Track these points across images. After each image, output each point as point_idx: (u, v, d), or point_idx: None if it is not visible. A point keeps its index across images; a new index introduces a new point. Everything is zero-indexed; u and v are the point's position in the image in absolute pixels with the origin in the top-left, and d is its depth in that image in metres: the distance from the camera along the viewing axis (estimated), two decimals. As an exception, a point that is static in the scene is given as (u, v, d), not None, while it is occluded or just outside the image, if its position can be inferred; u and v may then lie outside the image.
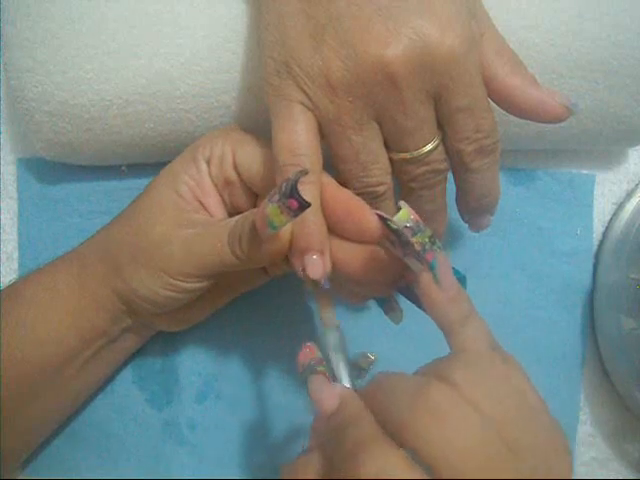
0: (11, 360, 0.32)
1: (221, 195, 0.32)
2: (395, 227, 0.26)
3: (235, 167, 0.31)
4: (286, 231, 0.28)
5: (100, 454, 0.37)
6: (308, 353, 0.28)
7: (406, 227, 0.26)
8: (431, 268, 0.26)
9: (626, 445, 0.40)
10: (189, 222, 0.31)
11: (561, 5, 0.33)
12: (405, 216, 0.26)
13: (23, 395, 0.32)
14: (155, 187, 0.32)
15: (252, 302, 0.36)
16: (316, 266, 0.28)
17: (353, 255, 0.29)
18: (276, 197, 0.25)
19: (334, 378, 0.28)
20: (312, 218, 0.28)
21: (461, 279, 0.27)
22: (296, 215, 0.25)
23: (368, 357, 0.30)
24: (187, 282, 0.30)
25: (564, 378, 0.39)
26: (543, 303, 0.39)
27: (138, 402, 0.38)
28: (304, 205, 0.25)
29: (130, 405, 0.38)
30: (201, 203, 0.32)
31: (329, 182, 0.29)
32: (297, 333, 0.38)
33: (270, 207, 0.25)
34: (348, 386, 0.28)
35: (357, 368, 0.30)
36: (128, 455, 0.37)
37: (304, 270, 0.28)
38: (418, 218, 0.26)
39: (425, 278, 0.26)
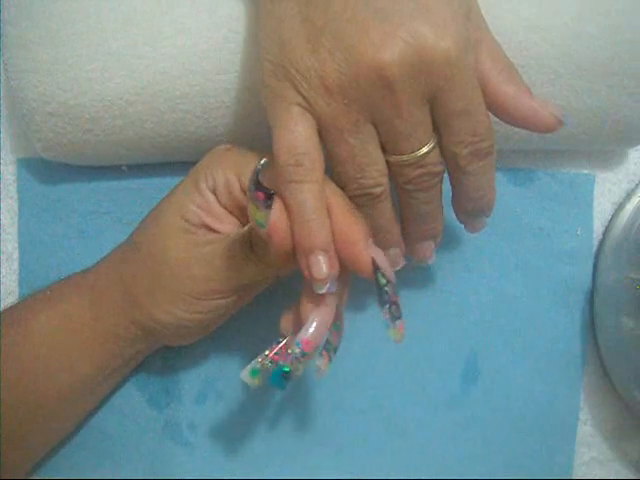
0: (25, 392, 0.32)
1: (236, 216, 0.32)
2: (383, 282, 0.27)
3: (245, 190, 0.31)
4: (283, 226, 0.28)
5: (100, 454, 0.37)
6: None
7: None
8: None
9: (626, 445, 0.40)
10: (202, 242, 0.31)
11: (561, 5, 0.33)
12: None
13: (35, 420, 0.33)
14: (161, 217, 0.32)
15: (252, 302, 0.36)
16: (320, 266, 0.28)
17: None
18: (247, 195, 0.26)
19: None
20: (313, 217, 0.27)
21: None
22: (268, 206, 0.26)
23: None
24: (212, 300, 0.31)
25: (564, 378, 0.39)
26: (543, 303, 0.39)
27: (138, 402, 0.38)
28: (270, 194, 0.25)
29: (130, 405, 0.38)
30: (210, 228, 0.31)
31: (338, 200, 0.29)
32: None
33: (249, 206, 0.26)
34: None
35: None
36: (128, 455, 0.37)
37: (309, 271, 0.28)
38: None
39: None
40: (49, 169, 0.38)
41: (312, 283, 0.28)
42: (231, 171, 0.31)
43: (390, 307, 0.28)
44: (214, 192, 0.31)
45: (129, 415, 0.37)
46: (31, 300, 0.34)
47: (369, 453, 0.38)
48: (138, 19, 0.33)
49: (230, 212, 0.32)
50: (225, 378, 0.38)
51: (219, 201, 0.31)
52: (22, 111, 0.34)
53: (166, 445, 0.37)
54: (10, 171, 0.39)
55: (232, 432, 0.38)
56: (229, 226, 0.32)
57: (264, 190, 0.25)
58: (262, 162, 0.26)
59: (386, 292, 0.28)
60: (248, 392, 0.38)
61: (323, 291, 0.28)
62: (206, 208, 0.31)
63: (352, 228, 0.28)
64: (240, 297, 0.33)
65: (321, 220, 0.28)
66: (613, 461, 0.40)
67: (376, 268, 0.28)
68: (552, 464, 0.38)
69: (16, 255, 0.38)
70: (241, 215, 0.32)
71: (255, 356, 0.29)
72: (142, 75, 0.33)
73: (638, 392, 0.38)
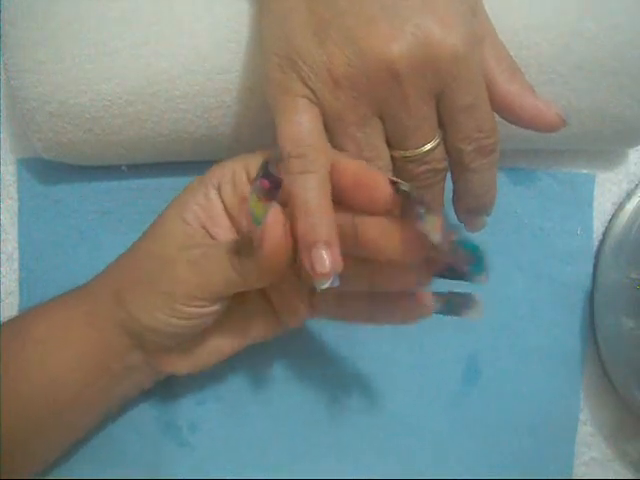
0: (20, 399, 0.31)
1: (233, 219, 0.31)
2: (406, 189, 0.26)
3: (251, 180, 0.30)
4: (276, 235, 0.27)
5: (100, 455, 0.37)
6: None
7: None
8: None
9: (626, 445, 0.40)
10: (194, 245, 0.30)
11: (561, 5, 0.33)
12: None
13: (31, 430, 0.32)
14: (164, 215, 0.32)
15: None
16: (323, 260, 0.27)
17: (385, 230, 0.28)
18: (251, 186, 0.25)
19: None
20: (316, 208, 0.27)
21: (475, 249, 0.26)
22: (272, 196, 0.25)
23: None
24: (191, 306, 0.30)
25: (564, 378, 0.39)
26: (543, 303, 0.39)
27: (138, 403, 0.38)
28: (276, 182, 0.24)
29: (130, 406, 0.37)
30: (208, 232, 0.31)
31: (336, 157, 0.28)
32: (298, 333, 0.38)
33: (250, 198, 0.25)
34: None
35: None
36: (128, 456, 0.37)
37: (312, 266, 0.27)
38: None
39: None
40: (49, 169, 0.38)
41: (314, 279, 0.27)
42: (239, 163, 0.31)
43: (420, 208, 0.26)
44: (218, 188, 0.31)
45: (129, 415, 0.37)
46: (33, 311, 0.33)
47: (369, 453, 0.38)
48: (138, 19, 0.33)
49: (229, 212, 0.31)
50: (225, 379, 0.38)
51: (222, 197, 0.31)
52: (22, 111, 0.34)
53: (166, 445, 0.37)
54: (10, 171, 0.39)
55: (232, 432, 0.38)
56: (224, 231, 0.31)
57: (271, 178, 0.24)
58: (276, 152, 0.26)
59: (413, 197, 0.26)
60: (248, 393, 0.38)
61: (325, 287, 0.27)
62: (205, 206, 0.31)
63: (360, 168, 0.27)
64: (230, 333, 0.33)
65: (324, 212, 0.27)
66: (613, 461, 0.40)
67: (395, 183, 0.26)
68: (552, 464, 0.38)
69: (16, 255, 0.38)
70: (240, 215, 0.31)
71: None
72: (142, 75, 0.33)
73: (638, 392, 0.38)
